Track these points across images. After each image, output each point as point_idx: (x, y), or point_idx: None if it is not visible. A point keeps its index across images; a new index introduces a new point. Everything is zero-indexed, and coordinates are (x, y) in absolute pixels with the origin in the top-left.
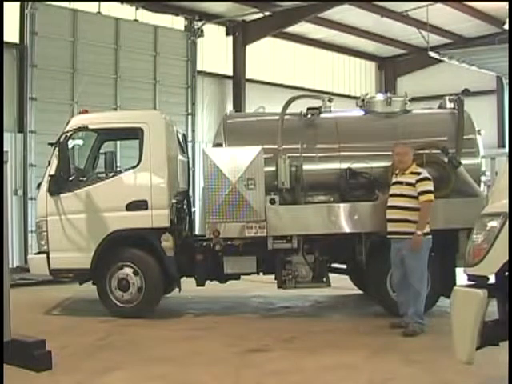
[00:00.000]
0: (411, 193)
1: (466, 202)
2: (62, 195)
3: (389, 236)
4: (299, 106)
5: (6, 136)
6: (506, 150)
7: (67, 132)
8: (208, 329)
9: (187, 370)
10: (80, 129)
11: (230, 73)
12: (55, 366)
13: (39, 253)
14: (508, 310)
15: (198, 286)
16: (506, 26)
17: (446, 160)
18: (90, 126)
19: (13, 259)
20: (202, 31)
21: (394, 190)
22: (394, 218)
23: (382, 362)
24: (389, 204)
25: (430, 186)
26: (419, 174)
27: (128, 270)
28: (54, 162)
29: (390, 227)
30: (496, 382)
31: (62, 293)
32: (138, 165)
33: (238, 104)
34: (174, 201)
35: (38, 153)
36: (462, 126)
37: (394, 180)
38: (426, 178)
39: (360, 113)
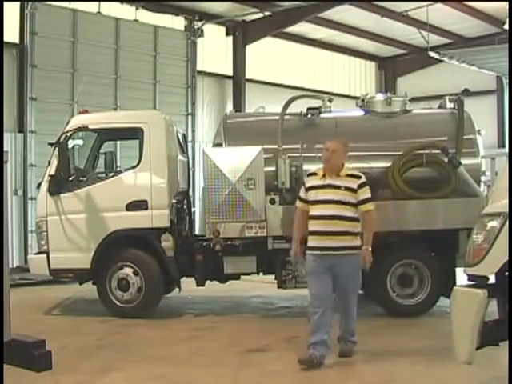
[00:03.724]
0: (352, 200)
1: (466, 201)
2: (62, 195)
3: (317, 252)
4: (299, 106)
5: (6, 136)
6: (506, 149)
7: (67, 132)
8: (208, 329)
9: (187, 370)
10: (80, 129)
11: (230, 73)
12: (55, 365)
13: (39, 253)
14: (508, 310)
15: (197, 286)
16: (506, 26)
17: (445, 160)
18: (90, 126)
19: (13, 259)
20: (202, 31)
21: (326, 194)
22: (333, 230)
23: (381, 362)
24: (322, 213)
25: (369, 192)
26: (359, 177)
27: (128, 270)
28: (54, 162)
29: (324, 241)
30: (496, 382)
31: (61, 293)
32: (138, 165)
33: (238, 104)
34: (174, 201)
35: (37, 153)
36: (462, 125)
37: (320, 182)
38: (366, 183)
39: (360, 113)
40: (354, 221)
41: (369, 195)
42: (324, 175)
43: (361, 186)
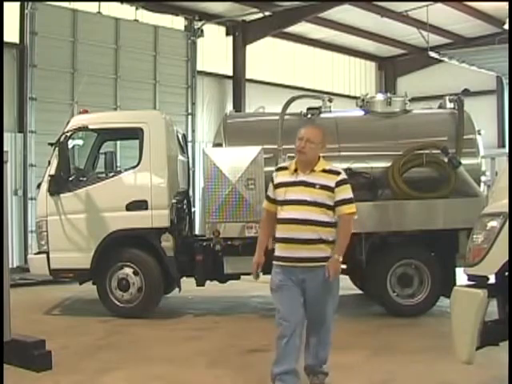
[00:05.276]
0: (328, 201)
1: (466, 201)
2: (62, 195)
3: (284, 263)
4: (299, 106)
5: (6, 136)
6: (506, 149)
7: (67, 132)
8: (208, 329)
9: (187, 370)
10: (80, 129)
11: (230, 73)
12: (55, 365)
13: (39, 253)
14: (508, 310)
15: (197, 285)
16: (506, 26)
17: (445, 160)
18: (90, 126)
19: (13, 259)
20: (202, 31)
21: (297, 194)
22: (304, 237)
23: (381, 361)
24: (291, 216)
25: (351, 191)
26: (338, 173)
27: (128, 270)
28: (54, 162)
29: (293, 250)
30: (496, 382)
31: (61, 293)
32: (138, 165)
33: (238, 104)
34: (174, 201)
35: (38, 153)
36: (462, 125)
37: (291, 179)
38: (346, 181)
39: (360, 113)
40: (330, 226)
41: (349, 195)
42: (296, 170)
43: (339, 183)
